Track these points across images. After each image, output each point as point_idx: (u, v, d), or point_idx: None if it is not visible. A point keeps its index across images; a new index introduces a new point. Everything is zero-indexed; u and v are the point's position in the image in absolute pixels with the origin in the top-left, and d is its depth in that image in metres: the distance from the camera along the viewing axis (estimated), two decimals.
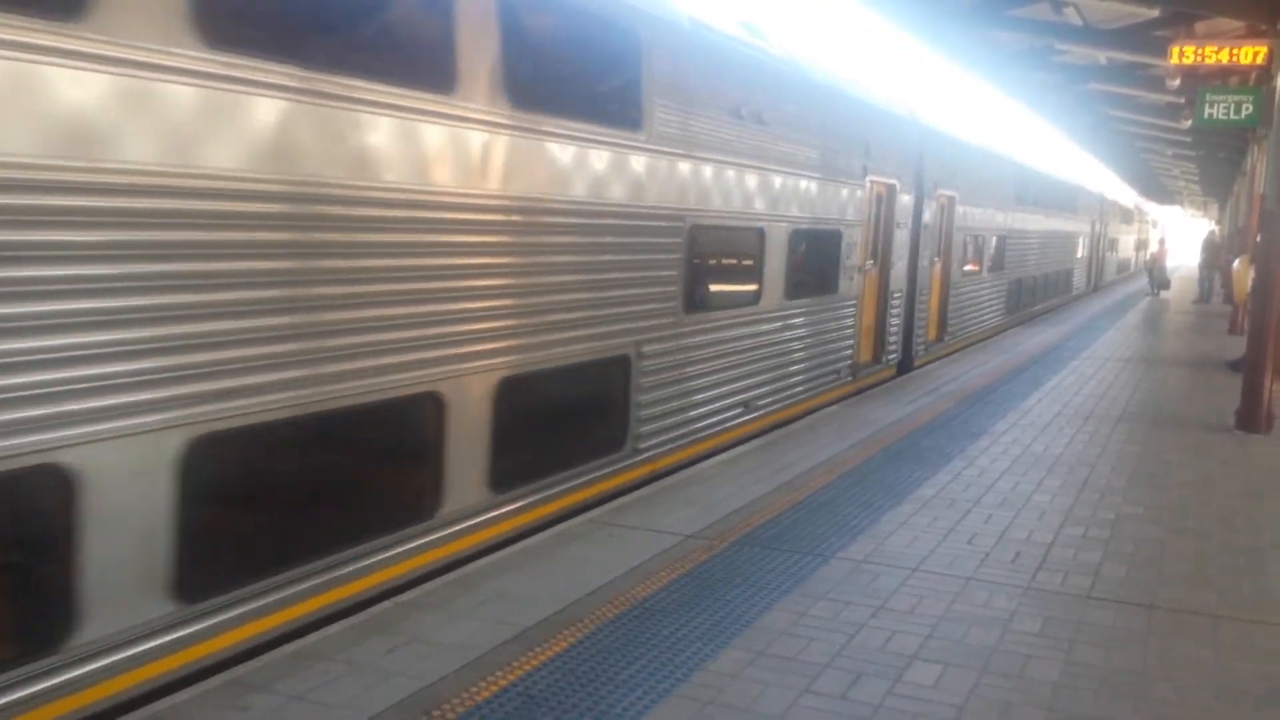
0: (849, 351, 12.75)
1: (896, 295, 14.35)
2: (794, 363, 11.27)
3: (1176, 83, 16.03)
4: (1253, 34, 11.99)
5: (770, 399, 10.78)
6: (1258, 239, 12.68)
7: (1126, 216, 51.16)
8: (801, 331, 11.32)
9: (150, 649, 4.53)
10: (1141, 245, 60.64)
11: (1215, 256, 33.25)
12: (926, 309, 16.21)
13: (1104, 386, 14.20)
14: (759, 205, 10.00)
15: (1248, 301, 13.48)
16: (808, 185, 11.00)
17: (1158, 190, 57.59)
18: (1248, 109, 11.21)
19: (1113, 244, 44.95)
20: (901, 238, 14.25)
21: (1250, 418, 11.15)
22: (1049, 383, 14.40)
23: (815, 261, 11.67)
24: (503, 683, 4.67)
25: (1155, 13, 12.80)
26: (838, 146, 11.78)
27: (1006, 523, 7.46)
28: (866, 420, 11.21)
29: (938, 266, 16.64)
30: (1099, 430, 11.03)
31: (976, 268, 19.48)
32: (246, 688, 4.53)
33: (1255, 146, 19.16)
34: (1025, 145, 26.12)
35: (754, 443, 10.00)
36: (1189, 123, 16.10)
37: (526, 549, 6.61)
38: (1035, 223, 24.64)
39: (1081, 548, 6.94)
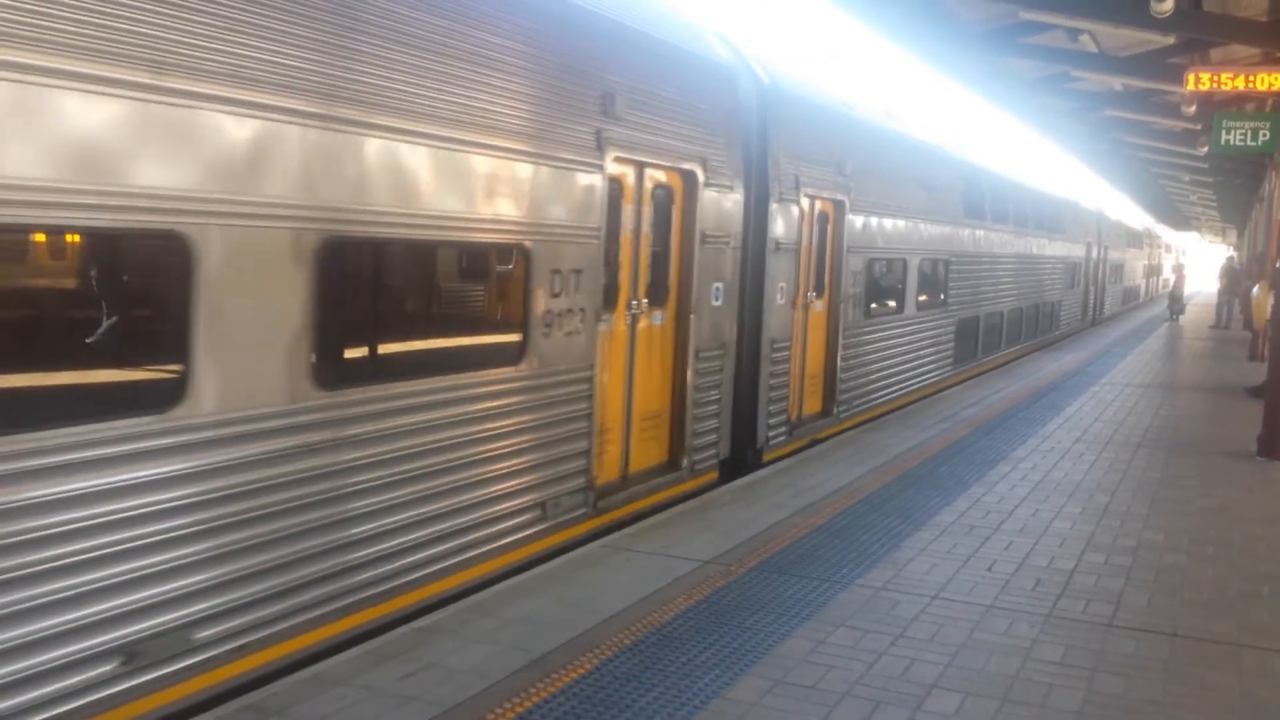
0: (575, 468, 7.49)
1: (711, 354, 9.33)
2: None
3: (1193, 109, 16.06)
4: (1268, 61, 11.98)
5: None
6: (1277, 265, 12.63)
7: (1134, 240, 45.41)
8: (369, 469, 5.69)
9: None
10: (1153, 272, 56.71)
11: (1235, 283, 33.22)
12: (789, 370, 10.83)
13: (1123, 412, 14.12)
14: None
15: (1267, 328, 13.41)
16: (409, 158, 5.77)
17: (1175, 216, 57.44)
18: (1264, 135, 11.20)
19: (1116, 271, 38.91)
20: (718, 260, 9.26)
21: (1272, 444, 11.06)
22: (1068, 408, 14.33)
23: (442, 308, 6.73)
24: (519, 709, 4.64)
25: (1171, 40, 12.79)
26: (522, 88, 6.69)
27: (1027, 550, 7.41)
28: (882, 447, 11.16)
29: (818, 305, 11.55)
30: (1119, 456, 10.96)
31: (896, 304, 14.18)
32: (263, 713, 4.52)
33: (1273, 173, 19.11)
34: (988, 145, 20.90)
35: (772, 468, 9.98)
36: (1205, 149, 16.10)
37: (543, 573, 6.59)
38: (1001, 244, 19.65)
39: (1103, 575, 6.88)
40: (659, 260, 8.68)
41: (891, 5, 12.14)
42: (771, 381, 10.38)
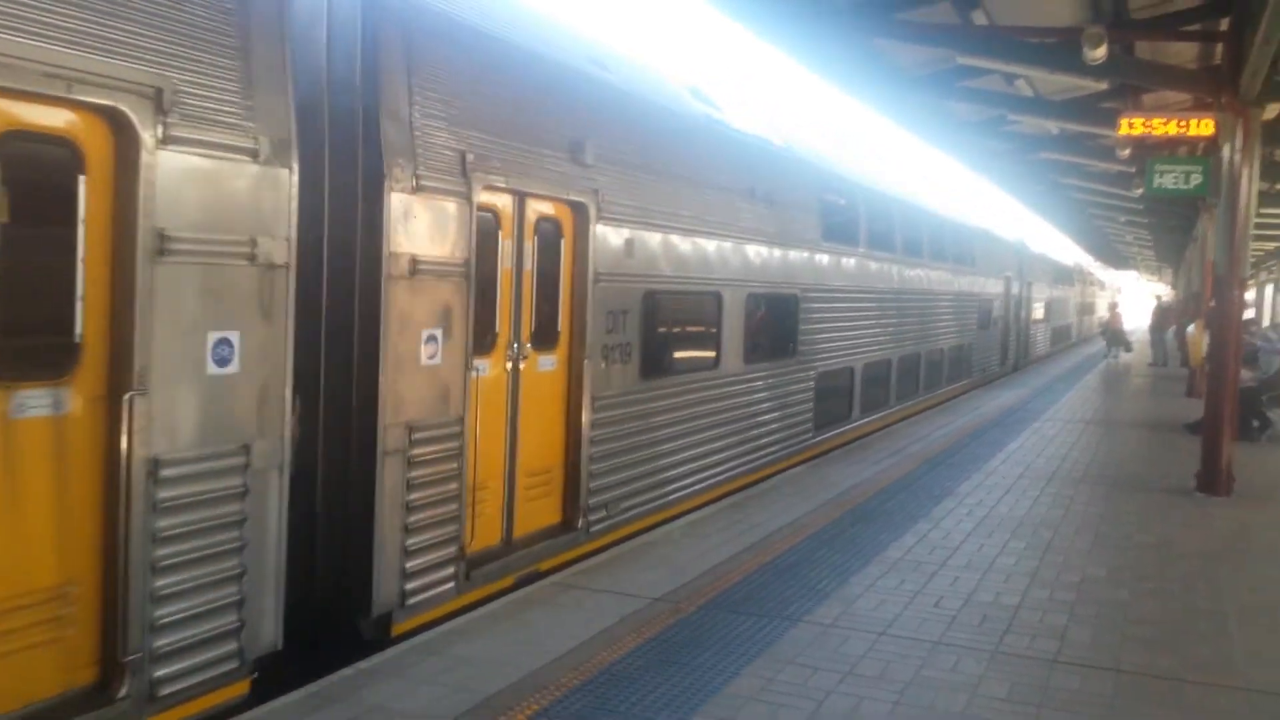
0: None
1: (217, 456, 5.28)
2: None
3: (1126, 153, 16.46)
4: (1199, 106, 12.32)
5: None
6: (1211, 305, 12.94)
7: (1063, 276, 42.34)
8: None
9: None
10: (1086, 310, 55.11)
11: (1164, 321, 34.13)
12: (457, 471, 6.91)
13: (1065, 448, 14.32)
14: None
15: (1204, 366, 13.70)
16: None
17: (1112, 255, 58.58)
18: (1196, 179, 11.48)
19: (1043, 310, 35.64)
20: (207, 285, 5.19)
21: (1210, 480, 11.27)
22: (1011, 444, 14.51)
23: None
24: None
25: (1104, 86, 13.12)
26: None
27: (973, 585, 7.47)
28: (831, 482, 11.24)
29: (543, 362, 8.07)
30: (1061, 492, 11.11)
31: (704, 356, 10.63)
32: None
33: (1205, 215, 19.59)
34: (868, 156, 18.51)
35: (721, 504, 10.00)
36: (1140, 191, 16.44)
37: (490, 613, 6.54)
38: (885, 277, 16.38)
39: (1047, 610, 6.96)
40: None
41: (832, 48, 12.30)
42: (412, 496, 6.47)
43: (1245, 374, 15.24)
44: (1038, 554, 8.44)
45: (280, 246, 5.50)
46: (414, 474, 6.52)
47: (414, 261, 6.44)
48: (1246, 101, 10.74)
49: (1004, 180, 24.98)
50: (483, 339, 7.22)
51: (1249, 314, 19.93)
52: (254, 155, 5.34)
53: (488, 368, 7.34)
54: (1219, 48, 11.87)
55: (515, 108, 7.46)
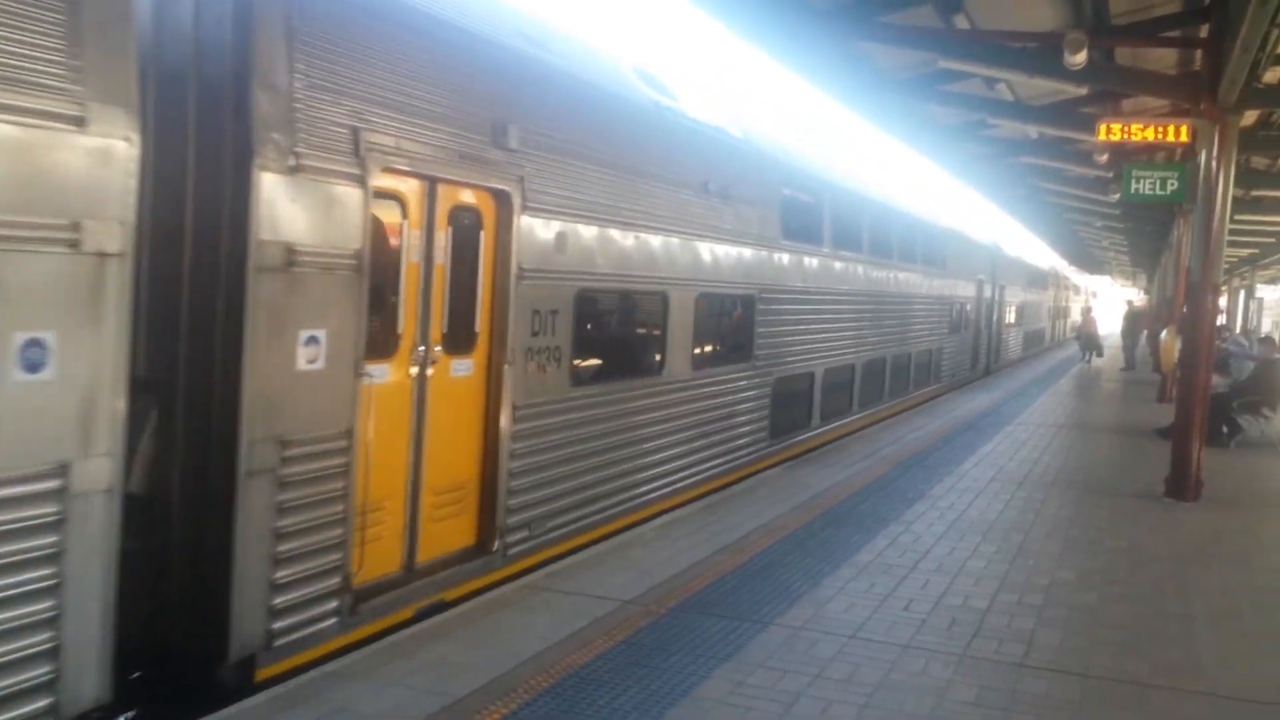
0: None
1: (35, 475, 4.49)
2: None
3: (1104, 158, 16.55)
4: (1177, 112, 12.39)
5: None
6: (1184, 310, 13.02)
7: (1037, 279, 41.86)
8: None
9: None
10: (1060, 314, 54.65)
11: (1135, 326, 34.43)
12: (344, 490, 6.11)
13: (1037, 452, 14.39)
14: None
15: (1175, 371, 13.80)
16: None
17: (1088, 260, 58.97)
18: (1173, 185, 11.54)
19: (1016, 313, 35.36)
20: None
21: (1179, 486, 11.35)
22: (984, 448, 14.57)
23: None
24: None
25: (1083, 91, 13.19)
26: None
27: (943, 589, 7.50)
28: (804, 484, 11.25)
29: (457, 367, 7.38)
30: (1033, 496, 11.16)
31: (645, 361, 9.95)
32: None
33: (1180, 220, 19.74)
34: (835, 152, 17.33)
35: (695, 505, 10.00)
36: (1117, 196, 16.53)
37: (461, 614, 6.51)
38: (848, 277, 15.53)
39: (1016, 614, 6.98)
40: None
41: (814, 50, 12.32)
42: (283, 522, 5.66)
43: (1216, 379, 15.40)
44: (1008, 557, 8.47)
45: (112, 231, 4.61)
46: (286, 496, 5.65)
47: (290, 251, 5.60)
48: (1224, 108, 10.81)
49: (983, 184, 25.07)
50: (381, 341, 6.49)
51: (1221, 320, 20.12)
52: (79, 123, 4.47)
53: (387, 373, 6.55)
54: (1198, 54, 11.93)
55: (425, 82, 6.65)
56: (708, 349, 11.13)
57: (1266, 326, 44.36)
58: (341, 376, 5.99)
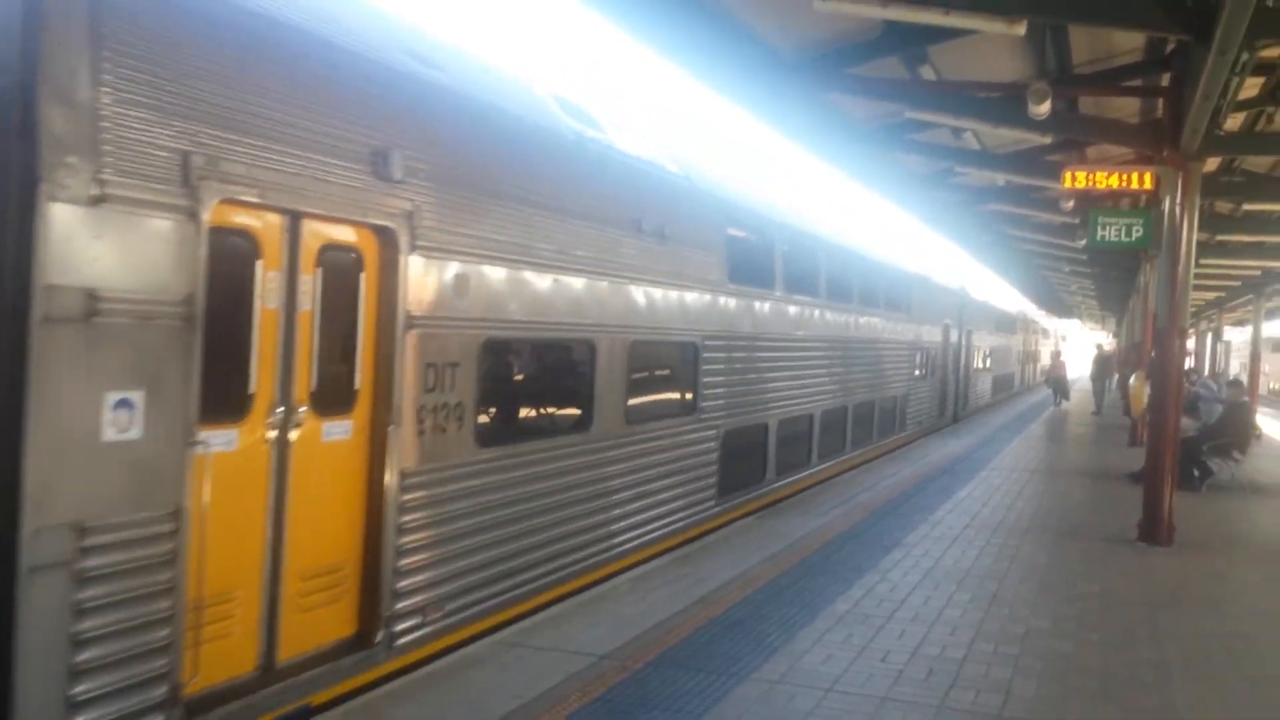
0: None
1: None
2: None
3: (1070, 204, 16.75)
4: (1141, 159, 12.57)
5: None
6: (1152, 355, 13.14)
7: (1005, 323, 41.33)
8: None
9: None
10: (1030, 358, 54.29)
11: (1104, 370, 34.74)
12: (168, 582, 5.17)
13: (1011, 498, 14.42)
14: None
15: (1145, 415, 13.89)
16: None
17: (1057, 304, 59.50)
18: (1138, 232, 11.68)
19: (985, 358, 34.81)
20: None
21: (1152, 530, 11.38)
22: (958, 493, 14.59)
23: None
24: None
25: (1048, 140, 13.38)
26: None
27: (919, 639, 7.46)
28: (779, 533, 11.21)
29: (332, 430, 6.44)
30: (1007, 542, 11.16)
31: (569, 416, 9.23)
32: None
33: (1147, 265, 19.97)
34: (792, 193, 16.73)
35: (668, 556, 9.94)
36: (1084, 242, 16.71)
37: (431, 673, 6.42)
38: (804, 322, 14.82)
39: (993, 664, 6.96)
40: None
41: (783, 101, 12.44)
42: (83, 626, 4.76)
43: (1186, 422, 15.51)
44: (983, 606, 8.45)
45: None
46: (87, 594, 4.71)
47: (92, 298, 4.72)
48: (1187, 155, 10.98)
49: (951, 230, 25.31)
50: (224, 402, 5.51)
51: (1189, 363, 20.32)
52: None
53: (235, 440, 5.58)
54: (1160, 101, 12.15)
55: (281, 100, 5.76)
56: (645, 401, 10.25)
57: (1234, 369, 44.85)
58: (165, 446, 5.04)
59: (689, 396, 11.24)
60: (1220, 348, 44.21)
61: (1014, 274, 39.54)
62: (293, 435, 5.96)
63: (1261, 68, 11.19)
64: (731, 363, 12.14)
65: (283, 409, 5.89)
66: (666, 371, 11.08)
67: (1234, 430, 16.32)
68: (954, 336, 27.62)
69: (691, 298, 11.03)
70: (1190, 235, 11.25)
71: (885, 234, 24.27)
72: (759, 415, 13.20)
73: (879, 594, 8.71)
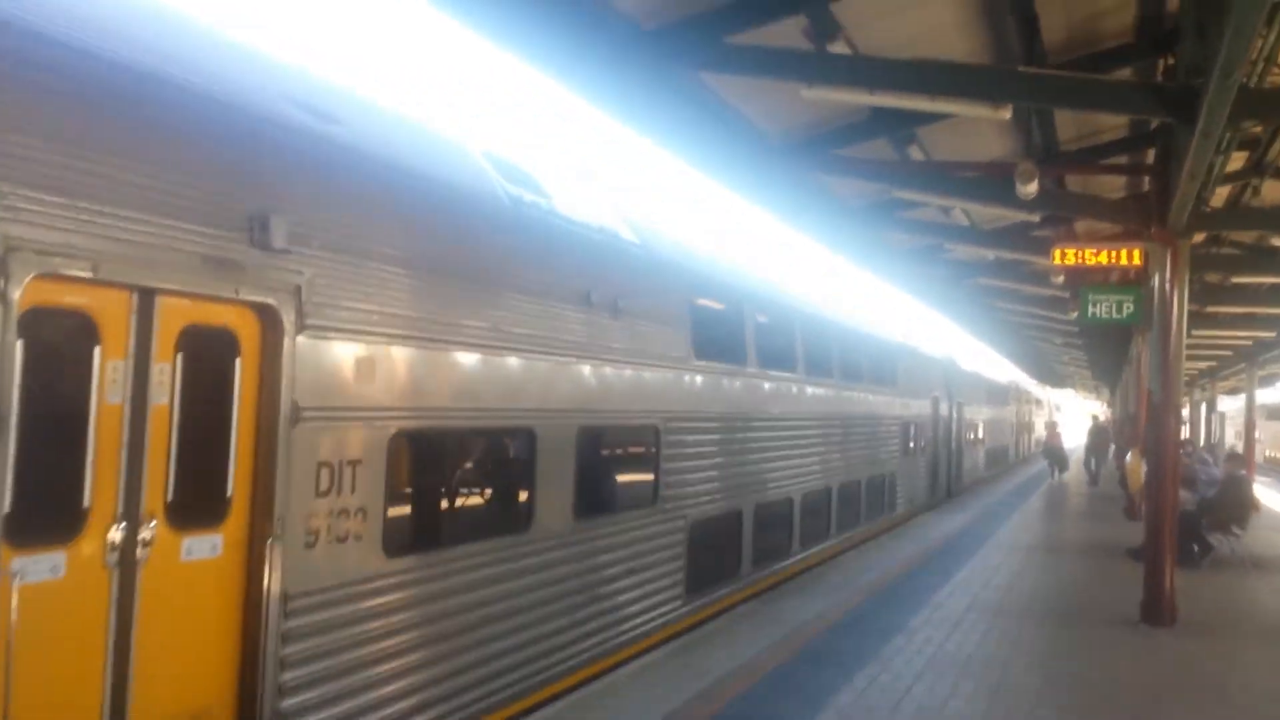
0: None
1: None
2: None
3: (1061, 279, 16.80)
4: (1129, 234, 12.65)
5: None
6: (1147, 430, 13.08)
7: (997, 394, 40.37)
8: None
9: None
10: (1024, 429, 53.30)
11: (1100, 442, 34.66)
12: None
13: (1011, 577, 14.25)
14: None
15: (1143, 493, 13.79)
16: None
17: (1050, 374, 59.64)
18: (1129, 308, 11.72)
19: (976, 430, 33.76)
20: None
21: (1154, 611, 11.22)
22: (958, 574, 14.41)
23: None
24: None
25: (1037, 218, 13.49)
26: None
27: None
28: (782, 618, 11.03)
29: (192, 548, 5.35)
30: (1009, 626, 10.98)
31: (503, 517, 8.20)
32: None
33: (1139, 336, 20.01)
34: (769, 263, 15.92)
35: (670, 645, 9.76)
36: (1075, 314, 16.76)
37: None
38: (781, 400, 13.89)
39: None
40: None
41: (772, 182, 12.52)
42: None
43: (1184, 495, 15.38)
44: (987, 696, 8.27)
45: None
46: None
47: None
48: (1175, 233, 11.03)
49: (942, 304, 25.41)
50: (48, 520, 4.63)
51: (1184, 432, 20.27)
52: None
53: (61, 566, 4.61)
54: (1146, 178, 12.25)
55: (125, 157, 4.92)
56: (597, 493, 9.28)
57: (1229, 437, 44.82)
58: None
59: (650, 485, 10.12)
60: (1215, 419, 44.20)
61: (1005, 344, 39.67)
62: (141, 555, 4.96)
63: (1246, 143, 11.31)
64: (698, 446, 11.14)
65: (126, 524, 4.89)
66: (622, 458, 10.15)
67: (1232, 505, 16.20)
68: (944, 409, 26.85)
69: (651, 376, 10.04)
70: (1181, 310, 11.26)
71: (870, 304, 24.04)
72: (731, 502, 12.10)
73: (882, 684, 8.53)
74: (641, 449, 10.17)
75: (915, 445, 23.27)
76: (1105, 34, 10.00)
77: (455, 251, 7.23)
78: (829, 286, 20.55)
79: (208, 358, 5.37)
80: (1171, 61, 9.85)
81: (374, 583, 6.27)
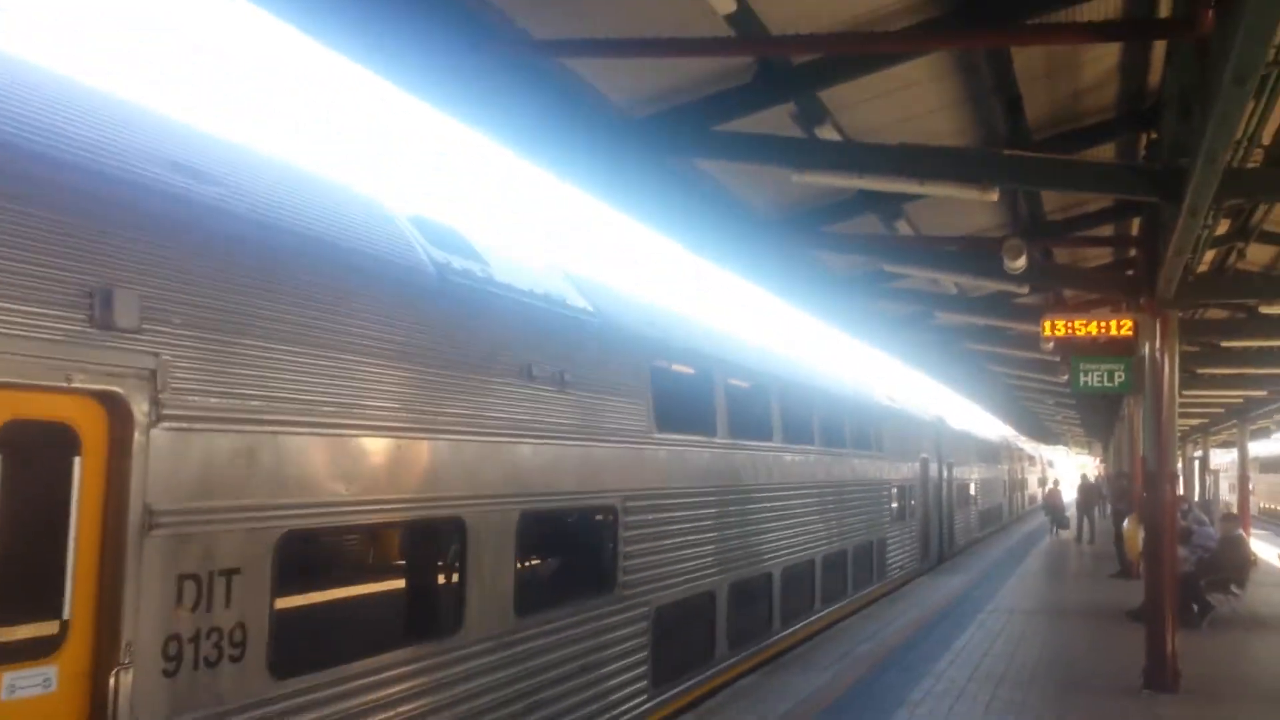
0: None
1: None
2: None
3: (1050, 346, 16.94)
4: (1116, 303, 12.82)
5: None
6: (1144, 496, 13.15)
7: (988, 454, 39.64)
8: None
9: None
10: (1017, 487, 52.24)
11: (1090, 499, 34.85)
12: None
13: (1011, 644, 14.22)
14: None
15: (1140, 557, 13.82)
16: None
17: (1042, 432, 59.76)
18: (1120, 377, 11.83)
19: (969, 490, 33.10)
20: None
21: (1158, 677, 11.22)
22: (958, 641, 14.38)
23: None
24: None
25: (1026, 290, 13.66)
26: None
27: None
28: (783, 692, 11.00)
29: None
30: (1012, 697, 10.96)
31: (421, 626, 6.96)
32: None
33: (1130, 398, 20.13)
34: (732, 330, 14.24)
35: None
36: (1065, 378, 16.88)
37: None
38: (757, 470, 13.17)
39: None
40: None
41: (762, 258, 12.68)
42: None
43: (1181, 553, 15.41)
44: None
45: None
46: None
47: None
48: (1163, 304, 11.19)
49: (933, 368, 25.55)
50: None
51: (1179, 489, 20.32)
52: None
53: None
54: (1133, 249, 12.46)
55: None
56: (544, 584, 8.64)
57: (1224, 491, 44.86)
58: None
59: (607, 570, 9.27)
60: (1209, 477, 44.24)
61: (997, 405, 39.82)
62: None
63: (1230, 211, 11.51)
64: (663, 525, 10.23)
65: None
66: (574, 544, 9.36)
67: (1230, 565, 16.25)
68: (934, 470, 26.26)
69: (605, 453, 9.16)
70: (1173, 378, 11.41)
71: (855, 365, 23.83)
72: (702, 582, 11.21)
73: None
74: (597, 532, 9.29)
75: (904, 509, 22.71)
76: (1087, 109, 10.26)
77: (363, 326, 6.32)
78: (809, 346, 20.25)
79: (37, 458, 4.50)
80: (1154, 136, 10.08)
81: (257, 710, 5.29)
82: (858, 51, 7.88)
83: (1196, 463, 42.30)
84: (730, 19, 7.10)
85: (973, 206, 12.11)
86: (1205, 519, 19.33)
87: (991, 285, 14.02)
